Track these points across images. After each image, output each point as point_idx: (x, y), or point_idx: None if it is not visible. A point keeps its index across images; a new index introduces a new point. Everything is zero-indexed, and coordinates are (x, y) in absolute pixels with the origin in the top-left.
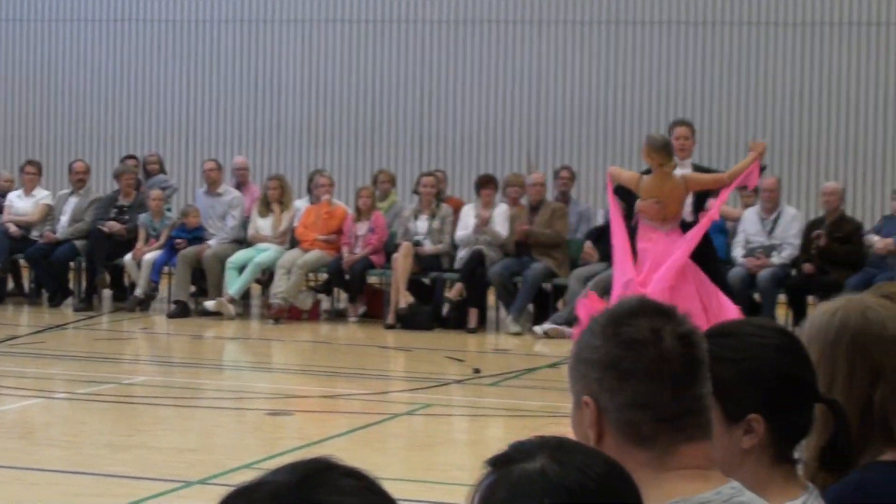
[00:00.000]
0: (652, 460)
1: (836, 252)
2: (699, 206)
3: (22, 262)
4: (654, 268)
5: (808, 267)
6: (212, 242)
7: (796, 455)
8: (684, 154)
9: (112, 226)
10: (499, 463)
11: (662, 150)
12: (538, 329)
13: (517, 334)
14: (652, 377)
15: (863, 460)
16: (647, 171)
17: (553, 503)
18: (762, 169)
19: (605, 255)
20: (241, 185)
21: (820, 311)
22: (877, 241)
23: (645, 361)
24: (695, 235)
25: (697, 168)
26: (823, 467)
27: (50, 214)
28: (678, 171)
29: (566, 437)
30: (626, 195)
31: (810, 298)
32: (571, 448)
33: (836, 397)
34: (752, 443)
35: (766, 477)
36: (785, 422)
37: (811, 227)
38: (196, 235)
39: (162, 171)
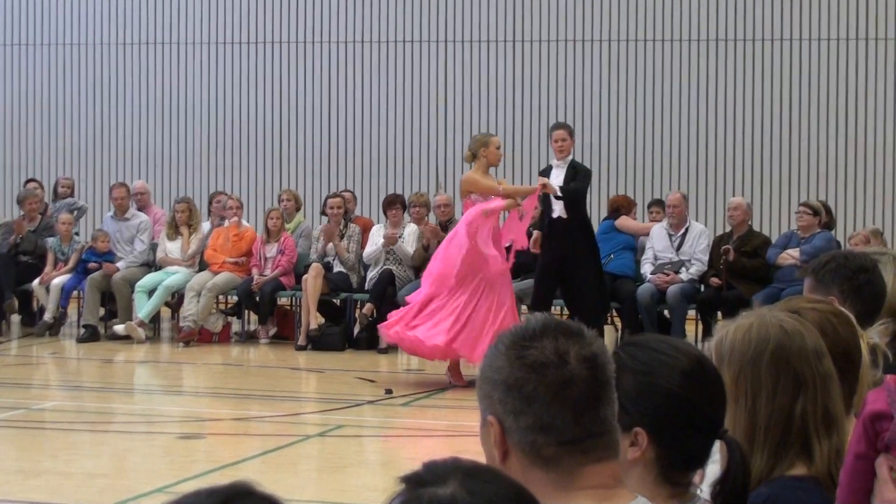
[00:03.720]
0: (556, 481)
1: (744, 267)
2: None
3: None
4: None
5: (714, 281)
6: (120, 266)
7: (703, 487)
8: (563, 154)
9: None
10: (411, 482)
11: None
12: None
13: None
14: (554, 401)
15: (774, 473)
16: None
17: None
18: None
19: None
20: (141, 209)
21: (731, 329)
22: (783, 255)
23: (547, 385)
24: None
25: (576, 166)
26: (713, 501)
27: None
28: (559, 171)
29: (479, 462)
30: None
31: (720, 313)
32: (484, 475)
33: (760, 412)
34: (635, 455)
35: (650, 495)
36: (672, 444)
37: (719, 242)
38: (106, 259)
39: (71, 194)
